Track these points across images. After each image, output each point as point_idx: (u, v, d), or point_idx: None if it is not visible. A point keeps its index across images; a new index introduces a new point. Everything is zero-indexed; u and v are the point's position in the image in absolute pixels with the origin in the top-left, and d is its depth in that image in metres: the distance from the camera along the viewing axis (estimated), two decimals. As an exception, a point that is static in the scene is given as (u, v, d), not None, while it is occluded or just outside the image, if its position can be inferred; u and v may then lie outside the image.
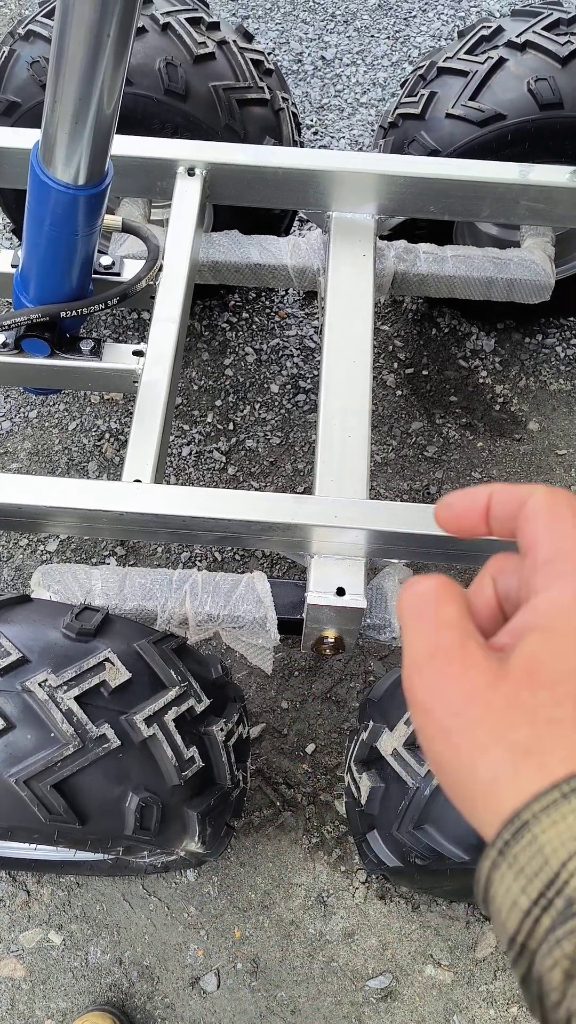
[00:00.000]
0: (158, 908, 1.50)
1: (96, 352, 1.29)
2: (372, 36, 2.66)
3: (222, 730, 1.08)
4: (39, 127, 1.01)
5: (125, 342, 2.03)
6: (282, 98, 1.68)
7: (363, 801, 1.13)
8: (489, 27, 1.62)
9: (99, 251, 1.26)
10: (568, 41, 1.54)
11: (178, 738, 1.00)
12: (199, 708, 1.05)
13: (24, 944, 1.47)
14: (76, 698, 0.96)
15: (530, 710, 0.32)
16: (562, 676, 0.32)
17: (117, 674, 1.00)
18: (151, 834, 0.98)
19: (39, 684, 0.96)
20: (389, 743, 1.07)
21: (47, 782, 0.92)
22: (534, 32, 1.56)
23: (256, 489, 1.87)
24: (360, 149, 2.40)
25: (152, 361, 1.28)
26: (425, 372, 2.03)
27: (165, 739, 0.99)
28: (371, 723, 1.13)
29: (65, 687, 0.96)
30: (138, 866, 1.36)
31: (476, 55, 1.60)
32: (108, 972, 1.46)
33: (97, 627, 1.04)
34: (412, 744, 1.04)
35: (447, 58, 1.64)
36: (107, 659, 1.00)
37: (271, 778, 1.60)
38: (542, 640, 0.33)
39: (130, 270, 1.33)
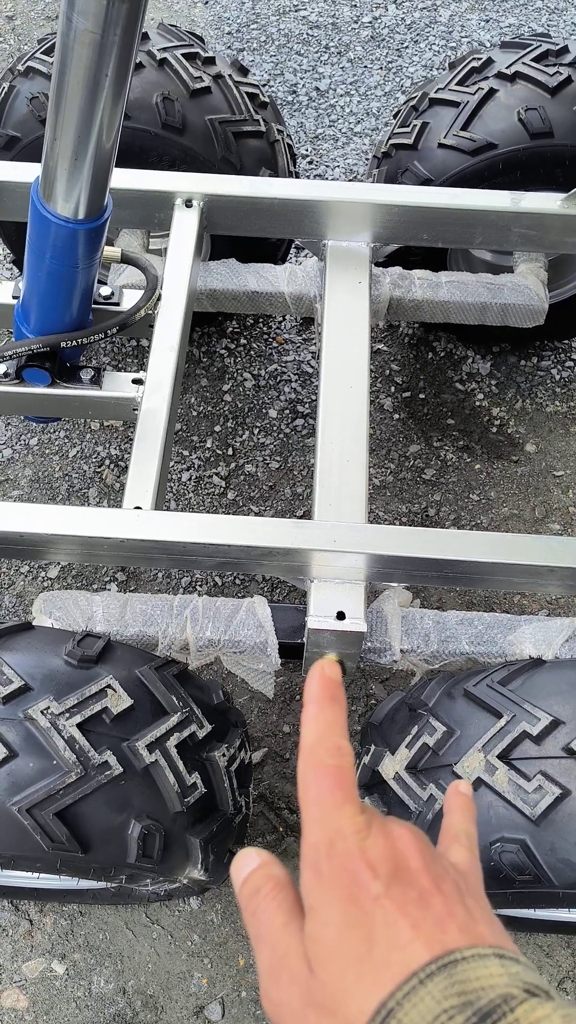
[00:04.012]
0: (161, 936, 1.49)
1: (96, 381, 1.30)
2: (365, 67, 2.71)
3: (224, 756, 1.08)
4: (39, 161, 1.03)
5: (125, 369, 2.05)
6: (277, 130, 1.71)
7: (366, 826, 1.13)
8: (479, 59, 1.66)
9: (99, 281, 1.28)
10: (557, 72, 1.57)
11: (180, 764, 1.01)
12: (201, 734, 1.05)
13: (27, 974, 1.46)
14: (78, 725, 0.96)
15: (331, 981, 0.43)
16: (332, 943, 0.44)
17: (119, 701, 1.00)
18: (154, 862, 0.97)
19: (41, 711, 0.96)
20: (391, 767, 1.07)
21: (50, 810, 0.92)
22: (523, 63, 1.60)
23: (256, 513, 1.88)
24: (355, 178, 2.44)
25: (151, 389, 1.29)
26: (422, 396, 2.05)
27: (167, 765, 0.99)
28: (373, 747, 1.13)
29: (67, 714, 0.97)
30: (141, 894, 1.35)
31: (467, 86, 1.63)
32: (112, 1002, 1.44)
33: (99, 654, 1.04)
34: (414, 768, 1.05)
35: (439, 89, 1.67)
36: (109, 686, 1.01)
37: (274, 803, 1.59)
38: (309, 939, 0.46)
39: (129, 300, 1.36)
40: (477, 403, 2.04)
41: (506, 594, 1.80)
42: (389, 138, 1.73)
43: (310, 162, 2.48)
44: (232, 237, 1.56)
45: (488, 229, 1.48)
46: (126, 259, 1.32)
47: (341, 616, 1.10)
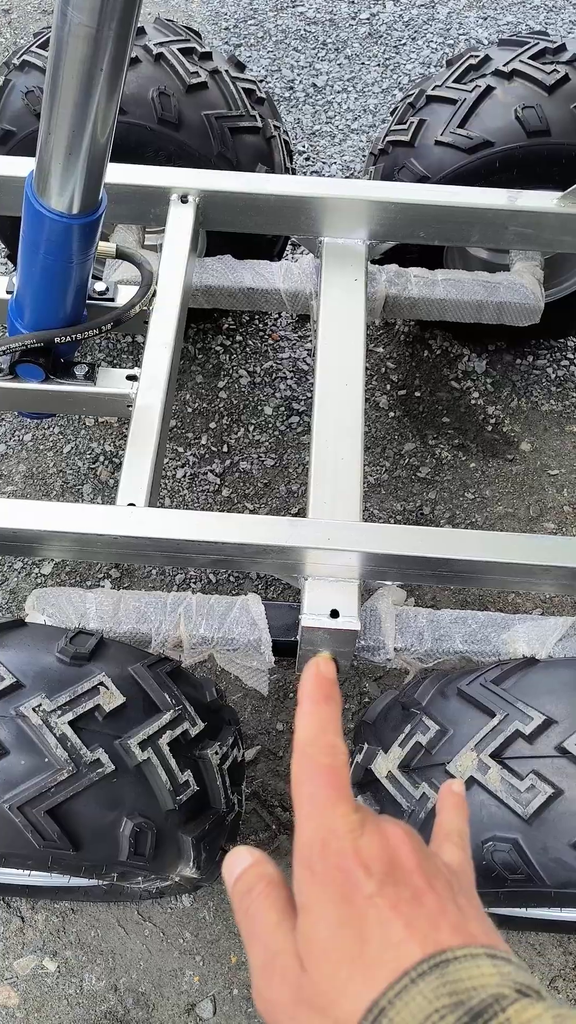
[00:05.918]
0: (153, 934, 1.48)
1: (90, 377, 1.30)
2: (363, 63, 2.70)
3: (217, 753, 1.08)
4: (33, 155, 1.03)
5: (119, 366, 2.05)
6: (274, 126, 1.70)
7: (358, 824, 1.13)
8: (477, 56, 1.65)
9: (93, 277, 1.28)
10: (554, 70, 1.57)
11: (172, 762, 1.00)
12: (193, 732, 1.05)
13: (18, 971, 1.46)
14: (70, 723, 0.96)
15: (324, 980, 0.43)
16: (325, 942, 0.44)
17: (111, 698, 1.00)
18: (145, 860, 0.97)
19: (33, 709, 0.96)
20: (384, 765, 1.07)
21: (41, 808, 0.92)
22: (521, 61, 1.59)
23: (250, 511, 1.88)
24: (351, 174, 2.44)
25: (146, 385, 1.29)
26: (417, 394, 2.05)
27: (159, 763, 0.99)
28: (366, 745, 1.13)
29: (59, 712, 0.96)
30: (133, 892, 1.35)
31: (464, 83, 1.63)
32: (103, 999, 1.44)
33: (91, 651, 1.04)
34: (407, 767, 1.04)
35: (436, 86, 1.66)
36: (101, 683, 1.00)
37: (267, 801, 1.59)
38: (302, 937, 0.45)
39: (124, 296, 1.35)
40: (472, 401, 2.04)
41: (500, 593, 1.80)
42: (386, 135, 1.73)
43: (307, 158, 2.47)
44: (228, 233, 1.55)
45: (484, 227, 1.48)
46: (121, 254, 1.32)
47: (335, 614, 1.10)
